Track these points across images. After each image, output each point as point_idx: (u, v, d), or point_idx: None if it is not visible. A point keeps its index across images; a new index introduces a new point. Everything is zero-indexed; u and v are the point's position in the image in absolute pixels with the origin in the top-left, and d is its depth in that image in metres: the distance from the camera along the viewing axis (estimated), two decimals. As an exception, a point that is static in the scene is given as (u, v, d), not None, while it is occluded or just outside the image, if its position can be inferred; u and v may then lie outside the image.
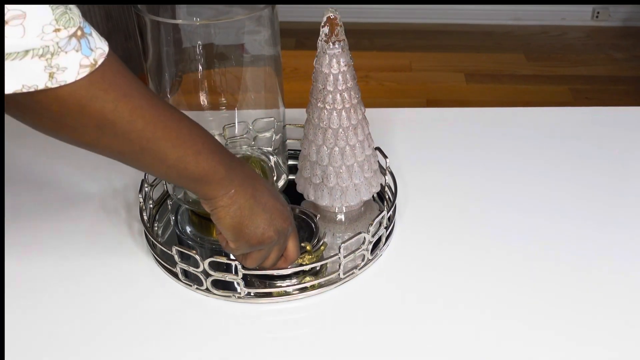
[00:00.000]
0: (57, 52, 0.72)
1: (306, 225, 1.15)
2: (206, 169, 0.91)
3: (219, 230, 1.01)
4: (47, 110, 0.77)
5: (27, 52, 0.70)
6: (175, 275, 1.10)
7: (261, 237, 0.99)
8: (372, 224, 1.11)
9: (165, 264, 1.11)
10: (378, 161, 1.23)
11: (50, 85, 0.73)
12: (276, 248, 1.04)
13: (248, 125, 1.28)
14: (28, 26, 0.69)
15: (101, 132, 0.81)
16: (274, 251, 1.04)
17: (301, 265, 1.08)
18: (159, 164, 0.88)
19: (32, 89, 0.72)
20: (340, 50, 1.08)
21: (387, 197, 1.28)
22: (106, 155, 0.87)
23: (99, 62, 0.76)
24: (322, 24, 1.06)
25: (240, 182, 0.96)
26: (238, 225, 0.97)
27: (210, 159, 0.92)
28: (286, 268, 1.07)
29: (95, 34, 0.77)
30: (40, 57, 0.71)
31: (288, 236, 1.05)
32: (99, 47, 0.76)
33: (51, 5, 0.70)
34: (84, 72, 0.74)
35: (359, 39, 4.29)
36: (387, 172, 1.25)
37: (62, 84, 0.73)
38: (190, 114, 1.18)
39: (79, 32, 0.74)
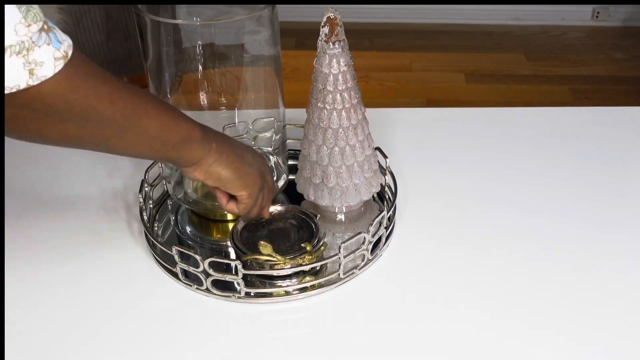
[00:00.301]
0: (31, 47, 0.73)
1: (306, 225, 1.15)
2: (186, 130, 0.95)
3: (224, 201, 1.07)
4: (30, 111, 0.77)
5: (5, 50, 0.70)
6: (175, 275, 1.10)
7: (259, 171, 1.05)
8: (372, 224, 1.11)
9: (165, 264, 1.11)
10: (378, 161, 1.23)
11: (31, 82, 0.73)
12: (268, 180, 1.11)
13: (248, 125, 1.28)
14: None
15: (85, 122, 0.83)
16: (267, 184, 1.10)
17: (301, 265, 1.08)
18: (143, 138, 0.91)
19: (14, 90, 0.73)
20: (340, 50, 1.08)
21: (387, 197, 1.28)
22: (90, 146, 0.89)
23: (69, 54, 0.77)
24: (322, 24, 1.07)
25: (215, 135, 1.01)
26: (237, 171, 1.01)
27: (187, 121, 0.96)
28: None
29: (57, 27, 0.78)
30: (17, 54, 0.72)
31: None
32: (65, 40, 0.77)
33: (14, 5, 0.71)
34: (59, 64, 0.75)
35: (359, 39, 4.29)
36: (387, 172, 1.25)
37: (43, 79, 0.74)
38: (190, 114, 1.19)
39: (46, 26, 0.75)
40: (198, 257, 1.04)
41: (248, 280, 1.09)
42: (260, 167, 1.06)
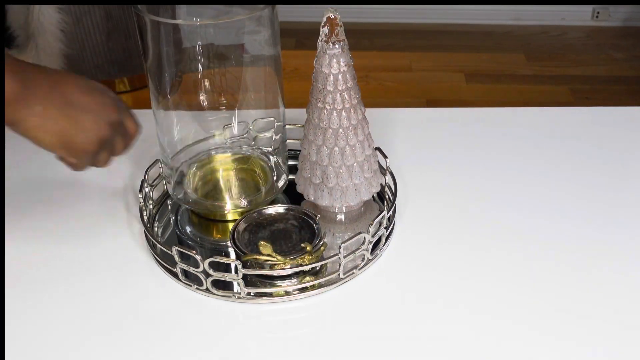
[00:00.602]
0: None
1: (306, 225, 1.15)
2: None
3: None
4: None
5: None
6: (175, 275, 1.10)
7: (96, 138, 0.97)
8: (372, 224, 1.11)
9: (165, 264, 1.11)
10: (378, 161, 1.23)
11: None
12: (117, 137, 1.03)
13: (248, 125, 1.28)
14: None
15: None
16: (116, 141, 1.04)
17: (301, 265, 1.08)
18: None
19: None
20: (340, 50, 1.08)
21: (387, 197, 1.28)
22: None
23: None
24: (322, 24, 1.07)
25: (45, 95, 0.91)
26: (65, 139, 0.94)
27: (9, 78, 0.87)
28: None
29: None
30: None
31: (124, 118, 1.03)
32: None
33: None
34: None
35: (359, 39, 4.30)
36: (387, 172, 1.26)
37: None
38: (190, 114, 1.19)
39: None
40: (198, 257, 1.04)
41: (248, 280, 1.09)
42: (100, 132, 0.97)
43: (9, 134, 0.93)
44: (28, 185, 1.33)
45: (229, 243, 1.14)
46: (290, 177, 1.28)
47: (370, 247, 1.12)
